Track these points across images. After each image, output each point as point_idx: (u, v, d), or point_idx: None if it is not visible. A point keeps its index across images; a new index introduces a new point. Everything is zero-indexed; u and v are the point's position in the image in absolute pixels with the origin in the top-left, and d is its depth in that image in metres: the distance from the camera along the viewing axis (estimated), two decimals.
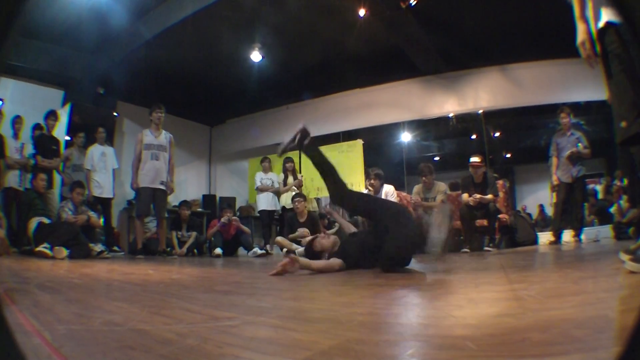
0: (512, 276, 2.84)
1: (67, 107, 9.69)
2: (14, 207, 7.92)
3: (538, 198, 15.25)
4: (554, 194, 8.02)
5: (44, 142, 8.43)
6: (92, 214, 7.79)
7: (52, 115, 8.68)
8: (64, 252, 6.27)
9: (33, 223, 7.02)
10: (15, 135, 8.30)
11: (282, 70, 10.73)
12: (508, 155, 16.99)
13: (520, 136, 15.70)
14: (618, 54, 2.48)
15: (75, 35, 8.72)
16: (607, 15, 2.55)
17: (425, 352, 1.01)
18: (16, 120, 8.33)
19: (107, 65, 9.68)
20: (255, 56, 9.86)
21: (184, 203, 9.48)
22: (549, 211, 12.14)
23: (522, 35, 9.09)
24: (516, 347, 0.99)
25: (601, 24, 2.61)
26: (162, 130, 7.88)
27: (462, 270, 3.88)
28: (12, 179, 8.08)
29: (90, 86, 10.11)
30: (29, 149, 8.28)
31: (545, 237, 8.49)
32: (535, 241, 8.69)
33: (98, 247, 7.22)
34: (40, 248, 6.15)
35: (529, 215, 13.09)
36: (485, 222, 7.54)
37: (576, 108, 8.92)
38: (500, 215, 7.79)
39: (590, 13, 2.81)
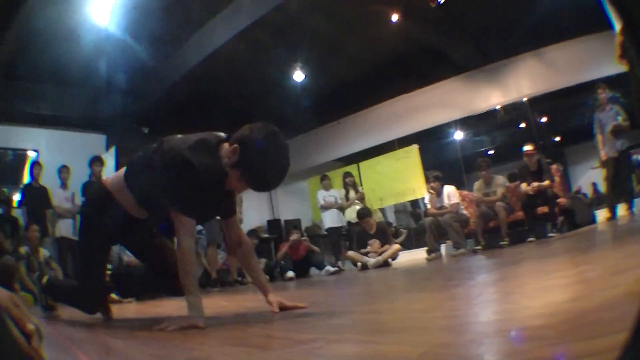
0: (577, 259, 2.85)
1: (112, 150, 9.80)
2: (68, 256, 8.02)
3: (590, 177, 14.89)
4: (603, 170, 7.91)
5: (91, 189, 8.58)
6: None
7: (96, 160, 8.57)
8: None
9: None
10: (63, 185, 8.48)
11: (326, 85, 10.86)
12: (557, 139, 16.68)
13: (565, 118, 15.38)
14: None
15: (104, 75, 8.78)
16: None
17: (509, 347, 1.05)
18: (62, 170, 8.54)
19: (146, 103, 9.86)
20: (298, 75, 10.00)
21: (251, 232, 9.54)
22: (602, 188, 11.86)
23: (547, 17, 9.00)
24: (590, 329, 1.02)
25: None
26: None
27: (530, 259, 3.88)
28: (64, 228, 8.20)
29: (129, 125, 10.28)
30: (80, 198, 8.27)
31: (602, 215, 8.34)
32: (593, 220, 8.56)
33: None
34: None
35: (584, 195, 12.81)
36: (546, 209, 7.50)
37: (611, 81, 8.76)
38: (558, 200, 7.72)
39: None
